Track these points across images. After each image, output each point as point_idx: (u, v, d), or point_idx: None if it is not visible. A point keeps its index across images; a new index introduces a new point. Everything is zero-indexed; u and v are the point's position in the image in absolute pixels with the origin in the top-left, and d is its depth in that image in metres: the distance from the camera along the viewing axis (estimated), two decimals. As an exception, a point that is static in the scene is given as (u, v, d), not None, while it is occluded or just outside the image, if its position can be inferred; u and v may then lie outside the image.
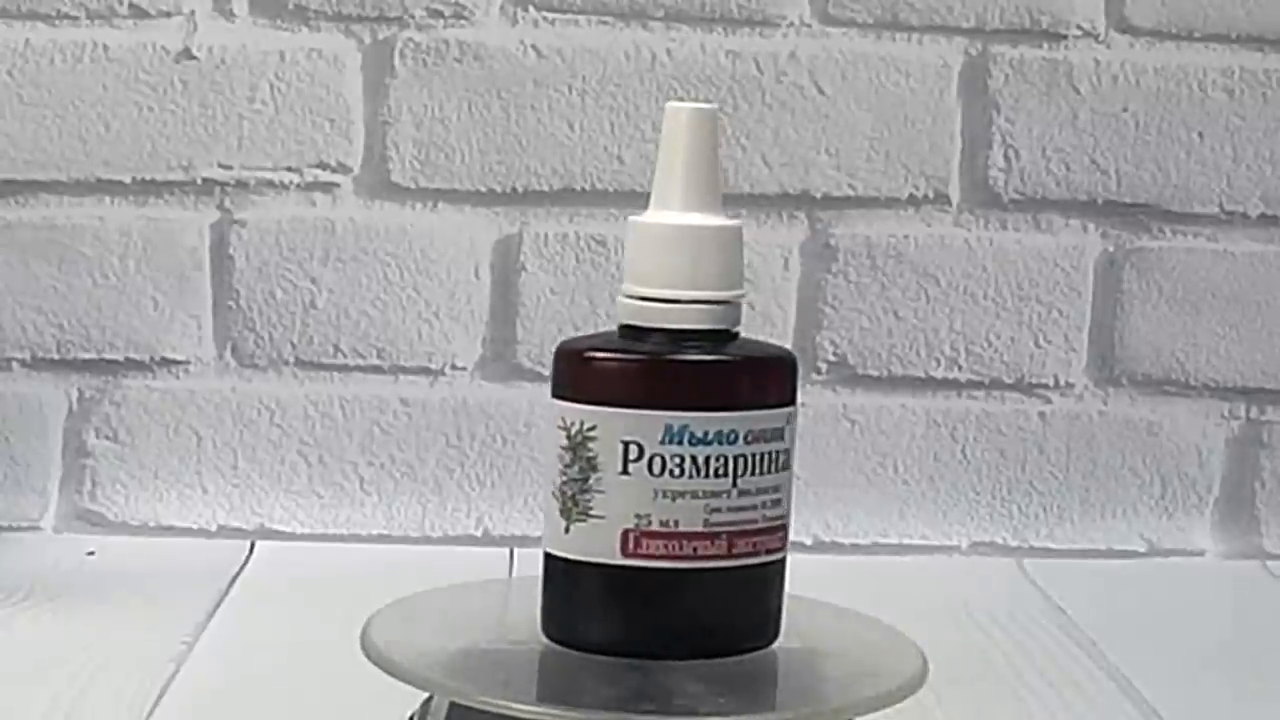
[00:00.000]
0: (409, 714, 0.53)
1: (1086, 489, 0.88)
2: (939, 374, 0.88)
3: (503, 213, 0.86)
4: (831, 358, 0.87)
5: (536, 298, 0.86)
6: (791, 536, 0.88)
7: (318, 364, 0.86)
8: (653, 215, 0.52)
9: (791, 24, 0.86)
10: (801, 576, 0.83)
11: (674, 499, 0.50)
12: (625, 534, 0.51)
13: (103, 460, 0.87)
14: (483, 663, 0.53)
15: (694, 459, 0.50)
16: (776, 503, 0.52)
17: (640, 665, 0.51)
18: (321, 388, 0.87)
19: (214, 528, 0.87)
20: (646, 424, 0.50)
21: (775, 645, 0.53)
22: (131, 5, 0.84)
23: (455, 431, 0.87)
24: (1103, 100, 0.86)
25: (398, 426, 0.87)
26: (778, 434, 0.52)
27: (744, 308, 0.86)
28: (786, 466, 0.52)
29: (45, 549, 0.85)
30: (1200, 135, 0.87)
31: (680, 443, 0.50)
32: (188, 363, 0.86)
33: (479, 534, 0.87)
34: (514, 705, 0.48)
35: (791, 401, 0.52)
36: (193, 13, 0.84)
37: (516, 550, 0.85)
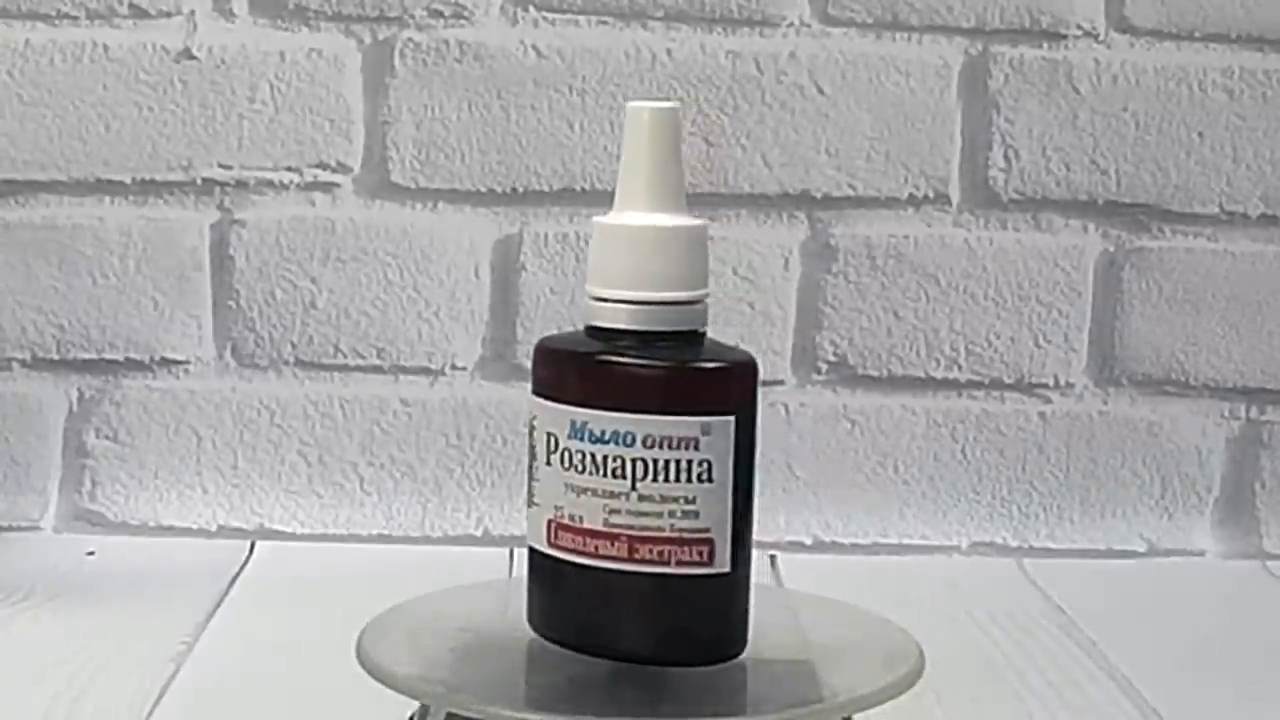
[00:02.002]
0: (409, 715, 0.53)
1: (1086, 489, 0.88)
2: (939, 374, 0.88)
3: (503, 213, 0.86)
4: (831, 358, 0.87)
5: (536, 298, 0.86)
6: (791, 536, 0.88)
7: (318, 364, 0.86)
8: (613, 216, 0.52)
9: (791, 24, 0.86)
10: (802, 576, 0.83)
11: (579, 494, 0.51)
12: (549, 523, 0.52)
13: (103, 460, 0.87)
14: (476, 663, 0.53)
15: (593, 456, 0.50)
16: (692, 514, 0.50)
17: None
18: (321, 388, 0.87)
19: (214, 528, 0.87)
20: (560, 418, 0.51)
21: (744, 656, 0.52)
22: (131, 5, 0.84)
23: (455, 431, 0.87)
24: (1103, 100, 0.86)
25: (398, 426, 0.87)
26: (689, 443, 0.50)
27: (744, 308, 0.86)
28: (707, 479, 0.50)
29: (45, 549, 0.85)
30: (1200, 135, 0.87)
31: (582, 439, 0.51)
32: (188, 363, 0.86)
33: (479, 534, 0.87)
34: (503, 713, 0.48)
35: (715, 412, 0.50)
36: (193, 13, 0.84)
37: (516, 550, 0.85)
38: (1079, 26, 0.86)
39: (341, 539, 0.87)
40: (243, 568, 0.83)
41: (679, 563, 0.50)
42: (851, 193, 0.86)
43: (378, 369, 0.87)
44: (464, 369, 0.87)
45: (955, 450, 0.88)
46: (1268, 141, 0.87)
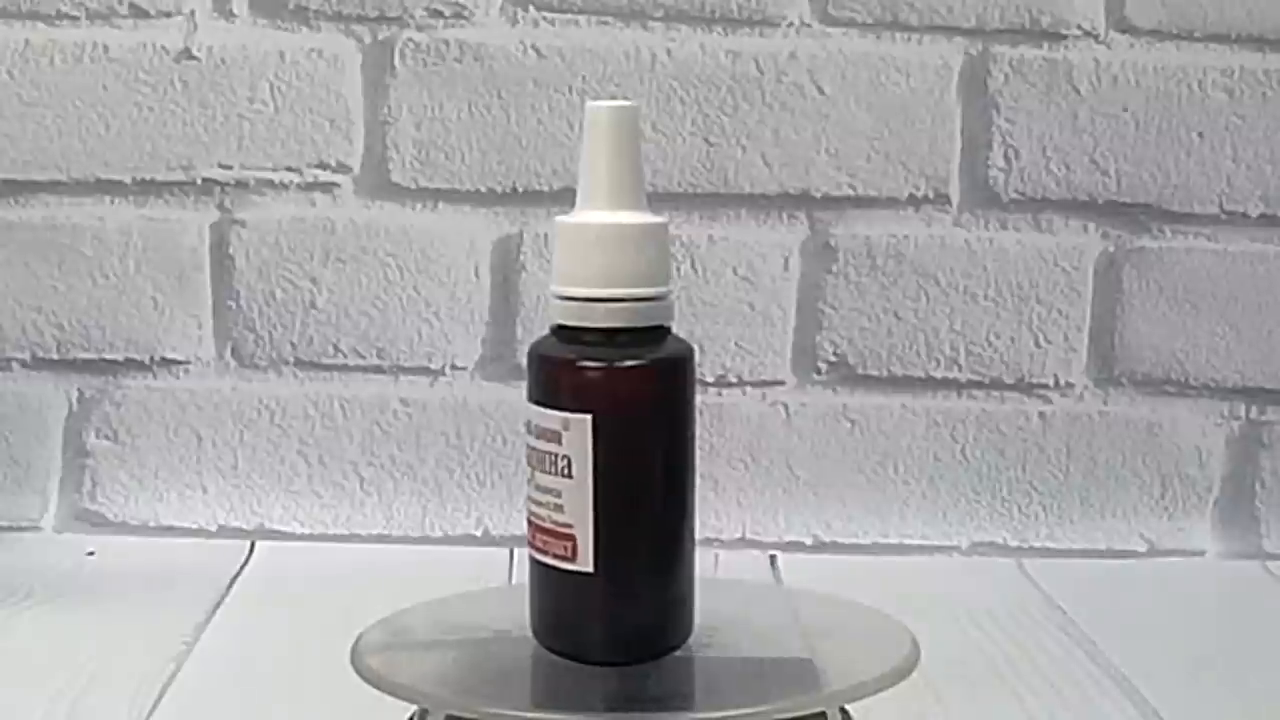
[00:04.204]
0: (409, 715, 0.53)
1: (1086, 489, 0.88)
2: (939, 374, 0.88)
3: (503, 213, 0.86)
4: (831, 358, 0.87)
5: (536, 298, 0.86)
6: (791, 536, 0.89)
7: (318, 364, 0.86)
8: (573, 215, 0.52)
9: (791, 24, 0.86)
10: (802, 576, 0.83)
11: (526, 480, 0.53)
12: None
13: (103, 460, 0.87)
14: (477, 666, 0.53)
15: (526, 444, 0.52)
16: (559, 509, 0.50)
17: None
18: (321, 388, 0.87)
19: (214, 528, 0.87)
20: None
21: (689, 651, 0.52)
22: (131, 5, 0.84)
23: (455, 431, 0.87)
24: (1103, 100, 0.86)
25: (398, 426, 0.87)
26: (553, 437, 0.50)
27: (745, 308, 0.86)
28: (567, 475, 0.50)
29: (45, 549, 0.85)
30: (1200, 135, 0.87)
31: (523, 427, 0.52)
32: (188, 363, 0.86)
33: (479, 534, 0.87)
34: (506, 713, 0.48)
35: (573, 409, 0.50)
36: (193, 13, 0.84)
37: (516, 550, 0.85)
38: (1079, 26, 0.86)
39: (341, 539, 0.87)
40: (242, 568, 0.83)
41: (554, 555, 0.51)
42: (851, 193, 0.86)
43: (378, 369, 0.87)
44: (464, 369, 0.87)
45: (955, 450, 0.88)
46: (1268, 141, 0.87)
